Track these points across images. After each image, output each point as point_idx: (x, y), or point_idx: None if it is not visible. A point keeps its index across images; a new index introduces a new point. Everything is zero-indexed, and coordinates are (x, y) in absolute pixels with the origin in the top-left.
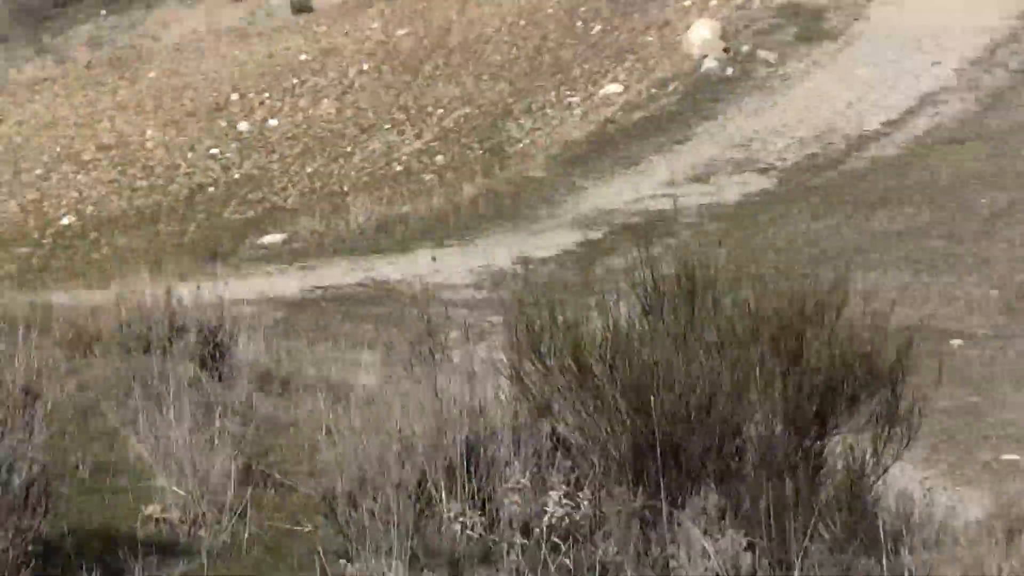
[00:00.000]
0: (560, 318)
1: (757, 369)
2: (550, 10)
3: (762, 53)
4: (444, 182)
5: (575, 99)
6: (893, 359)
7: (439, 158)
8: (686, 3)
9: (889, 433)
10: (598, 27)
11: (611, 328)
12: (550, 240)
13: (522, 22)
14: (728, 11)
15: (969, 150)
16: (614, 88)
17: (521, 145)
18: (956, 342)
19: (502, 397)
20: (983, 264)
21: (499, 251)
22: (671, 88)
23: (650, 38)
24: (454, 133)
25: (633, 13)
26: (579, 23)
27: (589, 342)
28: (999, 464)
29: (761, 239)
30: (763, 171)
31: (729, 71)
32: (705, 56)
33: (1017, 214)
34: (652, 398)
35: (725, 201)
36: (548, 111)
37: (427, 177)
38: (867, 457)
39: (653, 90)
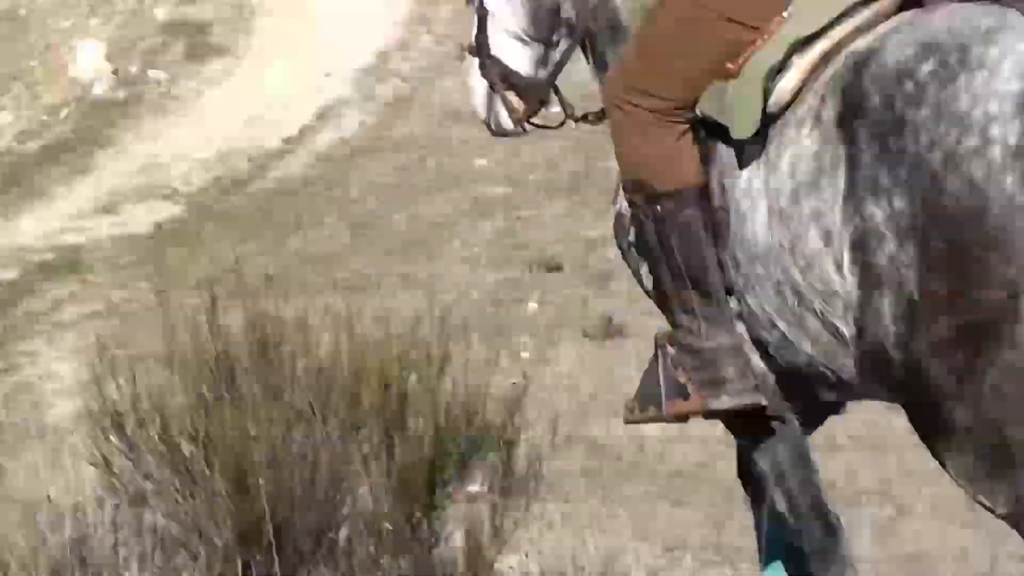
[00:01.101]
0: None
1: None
2: None
3: (152, 73)
4: None
5: None
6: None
7: None
8: (65, 24)
9: (506, 500)
10: None
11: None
12: None
13: None
14: (111, 31)
15: (376, 163)
16: (3, 118)
17: None
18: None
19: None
20: (409, 282)
21: None
22: (63, 115)
23: (34, 63)
24: None
25: (15, 38)
26: None
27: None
28: None
29: (181, 270)
30: (169, 197)
31: (121, 94)
32: (95, 80)
33: (431, 229)
34: (254, 478)
35: (137, 232)
36: None
37: None
38: (485, 527)
39: (44, 117)
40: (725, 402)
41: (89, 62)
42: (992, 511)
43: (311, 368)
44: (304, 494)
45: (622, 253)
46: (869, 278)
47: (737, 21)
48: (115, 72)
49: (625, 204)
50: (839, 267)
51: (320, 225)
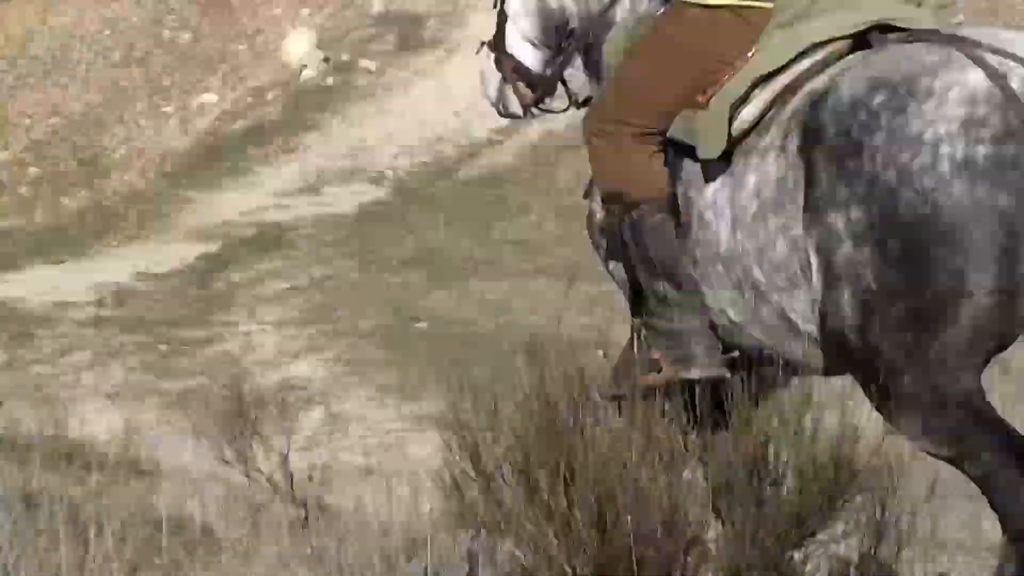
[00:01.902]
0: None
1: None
2: (135, 19)
3: (363, 62)
4: (42, 195)
5: (169, 109)
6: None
7: (32, 170)
8: (276, 12)
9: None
10: (187, 36)
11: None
12: (167, 254)
13: (107, 31)
14: (322, 19)
15: (584, 158)
16: (209, 98)
17: (118, 156)
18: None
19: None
20: None
21: (116, 266)
22: (270, 97)
23: (242, 47)
24: (45, 145)
25: (222, 23)
26: (166, 32)
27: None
28: None
29: (384, 250)
30: (375, 180)
31: (330, 80)
32: (304, 66)
33: None
34: (614, 513)
35: (341, 212)
36: (142, 122)
37: (23, 190)
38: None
39: (250, 99)
40: (695, 373)
41: (299, 48)
42: (938, 457)
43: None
44: (664, 533)
45: (593, 245)
46: (830, 275)
47: (707, 61)
48: (326, 60)
49: (597, 205)
50: (804, 268)
51: (527, 213)
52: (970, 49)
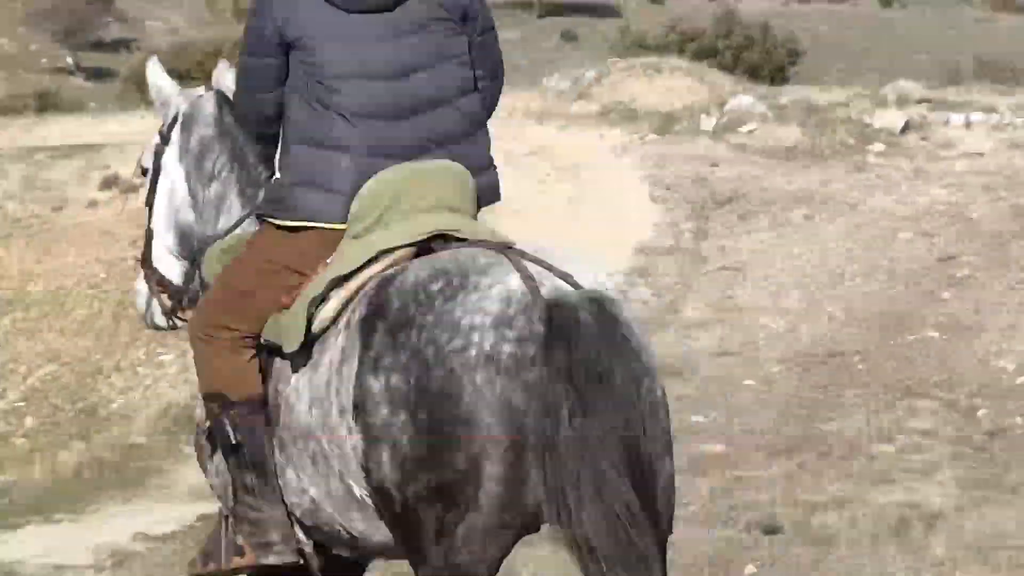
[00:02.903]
0: None
1: None
2: (131, 262)
3: None
4: (39, 447)
5: (168, 356)
6: None
7: (28, 420)
8: None
9: None
10: None
11: None
12: (167, 514)
13: (102, 275)
14: None
15: None
16: None
17: (115, 406)
18: None
19: None
20: None
21: (115, 526)
22: None
23: None
24: (41, 393)
25: None
26: None
27: None
28: None
29: None
30: None
31: None
32: None
33: None
34: None
35: None
36: (140, 369)
37: (18, 441)
38: None
39: None
40: (272, 559)
41: None
42: None
43: None
44: None
45: (196, 447)
46: (370, 434)
47: (293, 270)
48: None
49: (200, 408)
50: (350, 429)
51: None
52: (515, 257)
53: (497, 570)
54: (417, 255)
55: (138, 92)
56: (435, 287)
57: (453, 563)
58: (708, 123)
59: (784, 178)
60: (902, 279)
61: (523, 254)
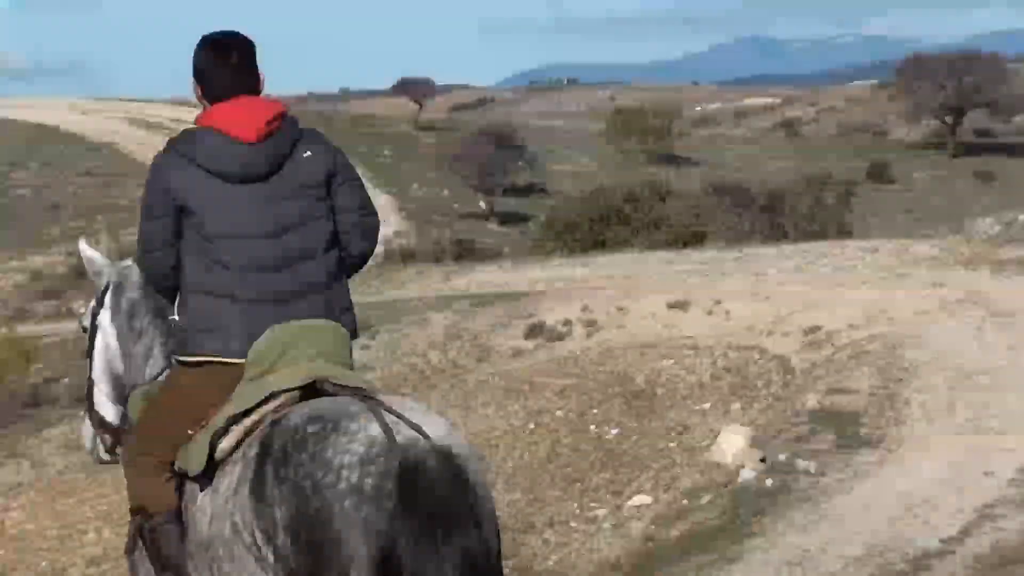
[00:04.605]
0: None
1: None
2: (559, 412)
3: (801, 463)
4: None
5: (601, 511)
6: None
7: None
8: (704, 406)
9: None
10: (614, 431)
11: None
12: None
13: (531, 425)
14: (754, 415)
15: None
16: (642, 499)
17: (551, 563)
18: None
19: None
20: None
21: None
22: (705, 500)
23: (672, 444)
24: None
25: (650, 418)
26: (592, 427)
27: None
28: None
29: None
30: None
31: (768, 482)
32: (741, 466)
33: None
34: None
35: None
36: (572, 524)
37: None
38: None
39: (685, 502)
40: None
41: (736, 447)
42: None
43: None
44: None
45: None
46: (273, 553)
47: (199, 405)
48: (763, 460)
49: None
50: (248, 546)
51: None
52: (375, 406)
53: None
54: (303, 397)
55: (555, 239)
56: (311, 429)
57: None
58: None
59: None
60: None
61: (382, 404)
